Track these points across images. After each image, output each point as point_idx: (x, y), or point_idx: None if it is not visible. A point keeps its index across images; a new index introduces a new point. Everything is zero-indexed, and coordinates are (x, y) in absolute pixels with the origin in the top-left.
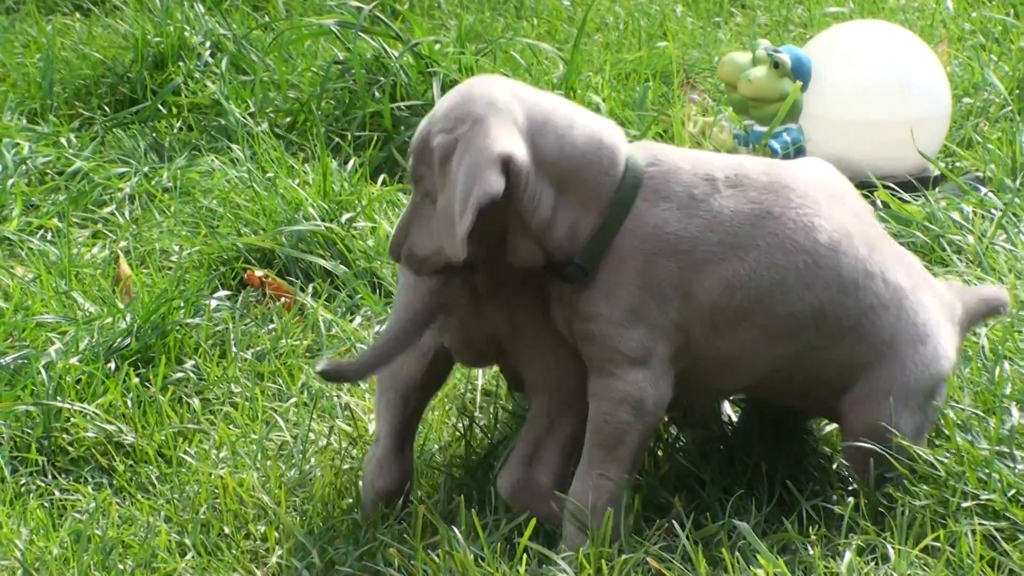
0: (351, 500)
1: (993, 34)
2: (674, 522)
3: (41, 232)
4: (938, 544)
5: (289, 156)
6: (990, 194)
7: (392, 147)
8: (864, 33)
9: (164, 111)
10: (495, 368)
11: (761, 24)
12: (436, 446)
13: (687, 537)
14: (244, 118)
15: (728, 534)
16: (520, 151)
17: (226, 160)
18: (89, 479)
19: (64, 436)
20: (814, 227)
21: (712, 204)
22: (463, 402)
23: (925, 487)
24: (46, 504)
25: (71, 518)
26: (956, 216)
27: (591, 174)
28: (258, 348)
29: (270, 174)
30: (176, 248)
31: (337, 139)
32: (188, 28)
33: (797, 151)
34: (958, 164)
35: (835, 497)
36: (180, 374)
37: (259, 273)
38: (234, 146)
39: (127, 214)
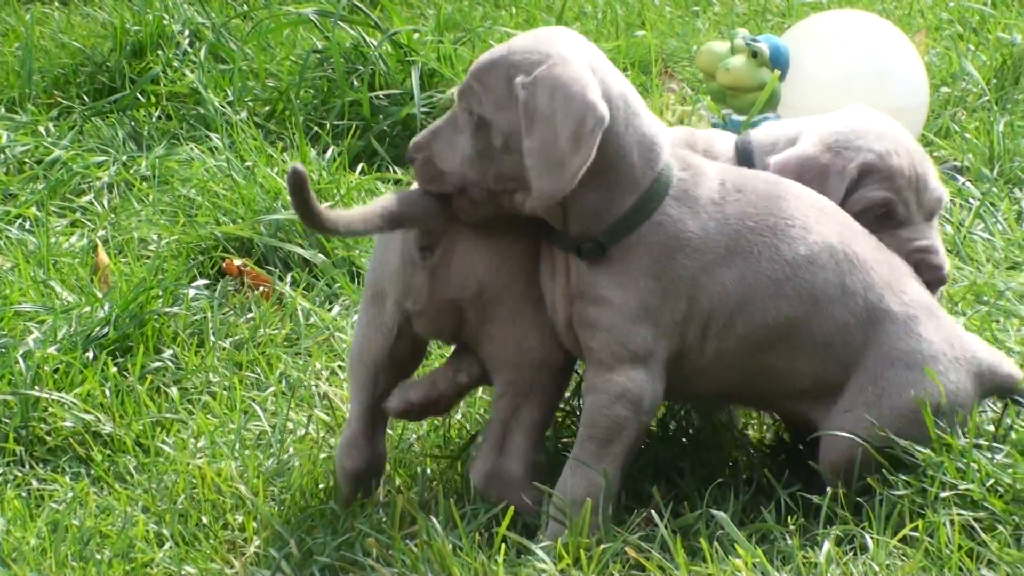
0: (329, 489)
1: (971, 24)
2: (653, 512)
3: (19, 221)
4: (917, 534)
5: (268, 145)
6: (968, 183)
7: (371, 136)
8: (842, 22)
9: (143, 100)
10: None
11: (739, 13)
12: (414, 436)
13: (666, 527)
14: (223, 107)
15: (706, 523)
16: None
17: (205, 149)
18: (67, 469)
19: (42, 425)
20: (797, 239)
21: (724, 209)
22: None
23: (903, 477)
24: (23, 494)
25: (48, 508)
26: None
27: (638, 162)
28: (236, 337)
29: (249, 163)
30: (154, 237)
31: (316, 128)
32: (167, 17)
33: None
34: (936, 154)
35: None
36: (158, 363)
37: (237, 262)
38: (213, 135)
39: (106, 203)
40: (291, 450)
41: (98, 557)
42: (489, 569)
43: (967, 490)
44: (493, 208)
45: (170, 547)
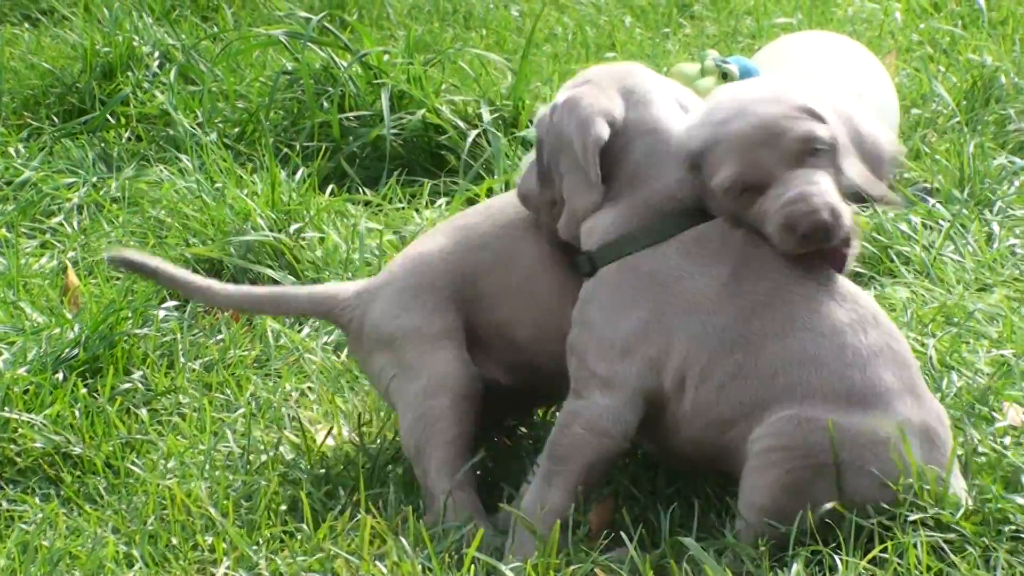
0: (298, 510)
1: (941, 45)
2: (622, 533)
3: None
4: (886, 555)
5: (238, 166)
6: (938, 205)
7: (341, 157)
8: (812, 44)
9: (113, 121)
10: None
11: (709, 35)
12: (390, 454)
13: (635, 548)
14: (192, 128)
15: (673, 546)
16: (619, 111)
17: (174, 170)
18: (36, 490)
19: (11, 447)
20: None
21: (709, 266)
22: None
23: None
24: None
25: (18, 529)
26: (904, 227)
27: (653, 187)
28: (206, 359)
29: (218, 184)
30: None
31: (286, 149)
32: (137, 38)
33: None
34: (906, 175)
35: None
36: (128, 384)
37: None
38: (182, 156)
39: (75, 224)
40: (258, 472)
41: None
42: None
43: (938, 514)
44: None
45: (140, 568)
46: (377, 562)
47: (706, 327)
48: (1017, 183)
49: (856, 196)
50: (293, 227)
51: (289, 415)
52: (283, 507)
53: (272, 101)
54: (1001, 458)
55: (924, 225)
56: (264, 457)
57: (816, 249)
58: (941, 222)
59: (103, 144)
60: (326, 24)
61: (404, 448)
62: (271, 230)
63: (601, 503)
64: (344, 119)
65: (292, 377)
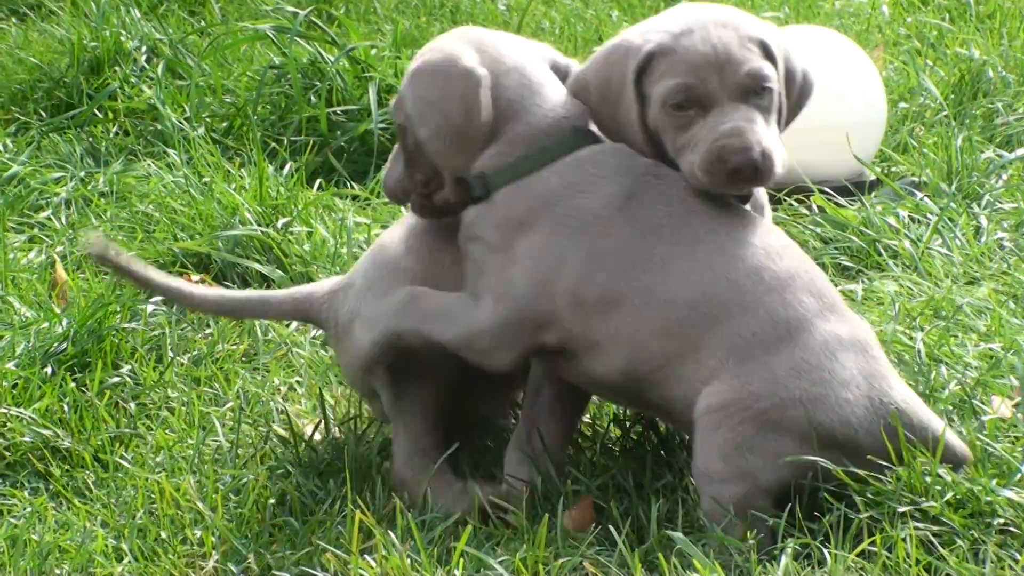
0: (287, 504)
1: (928, 39)
2: (610, 527)
3: None
4: (875, 549)
5: (225, 161)
6: (926, 199)
7: (328, 152)
8: (800, 38)
9: (100, 116)
10: None
11: None
12: (378, 448)
13: (624, 542)
14: (180, 123)
15: (661, 540)
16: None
17: (162, 165)
18: (25, 484)
19: (0, 441)
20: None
21: (602, 185)
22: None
23: (860, 498)
24: None
25: (7, 523)
26: (892, 221)
27: (536, 122)
28: (194, 353)
29: (206, 179)
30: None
31: (273, 144)
32: (124, 33)
33: None
34: (894, 169)
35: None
36: (116, 379)
37: (195, 278)
38: (170, 151)
39: (63, 219)
40: (247, 466)
41: (57, 572)
42: None
43: (929, 507)
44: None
45: (129, 562)
46: (365, 556)
47: (597, 247)
48: (1005, 176)
49: None
50: (281, 222)
51: (277, 409)
52: (272, 501)
53: (260, 96)
54: (990, 451)
55: (912, 219)
56: (253, 451)
57: (737, 194)
58: (929, 216)
59: (91, 139)
60: (313, 19)
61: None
62: (259, 225)
63: (579, 504)
64: (332, 113)
65: (280, 371)
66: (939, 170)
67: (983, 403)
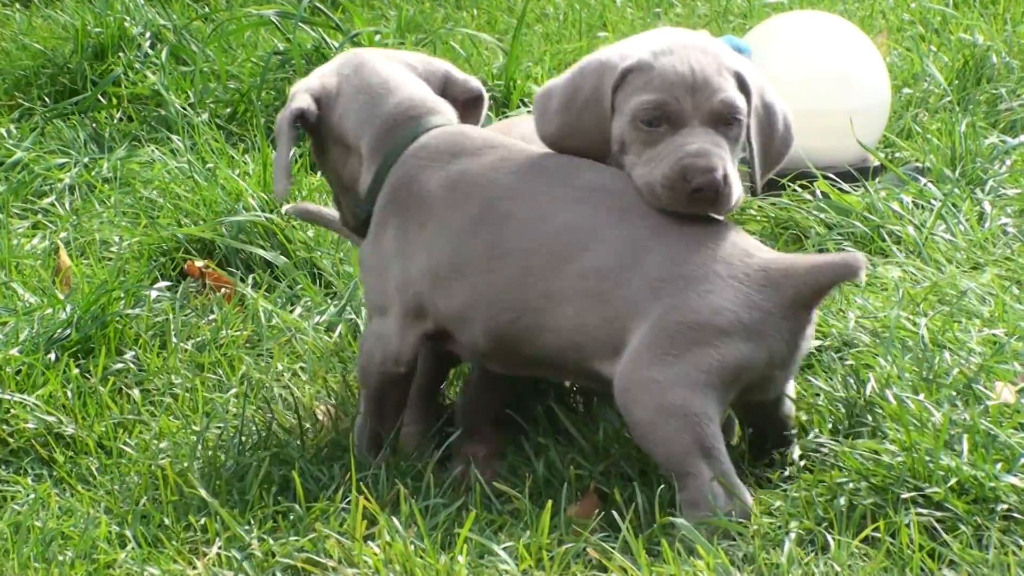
0: (291, 490)
1: (932, 25)
2: (613, 512)
3: None
4: (878, 535)
5: (229, 147)
6: (929, 184)
7: None
8: (804, 23)
9: (104, 102)
10: None
11: (701, 15)
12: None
13: (628, 528)
14: (184, 109)
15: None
16: (329, 83)
17: (166, 151)
18: (29, 470)
19: (4, 427)
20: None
21: (458, 164)
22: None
23: (866, 483)
24: None
25: (10, 509)
26: (896, 206)
27: (380, 136)
28: (198, 339)
29: (210, 165)
30: (116, 239)
31: None
32: (128, 19)
33: None
34: (898, 154)
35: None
36: (120, 365)
37: (199, 264)
38: (174, 137)
39: (67, 205)
40: (253, 451)
41: (61, 558)
42: (451, 570)
43: (933, 493)
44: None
45: (132, 548)
46: (369, 542)
47: (439, 222)
48: (1008, 162)
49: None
50: (285, 207)
51: (281, 395)
52: (275, 487)
53: (264, 81)
54: (993, 437)
55: (916, 204)
56: (256, 437)
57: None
58: (933, 201)
59: (95, 125)
60: (317, 4)
61: None
62: (263, 210)
63: (584, 497)
64: None
65: (284, 357)
66: (943, 156)
67: (987, 389)
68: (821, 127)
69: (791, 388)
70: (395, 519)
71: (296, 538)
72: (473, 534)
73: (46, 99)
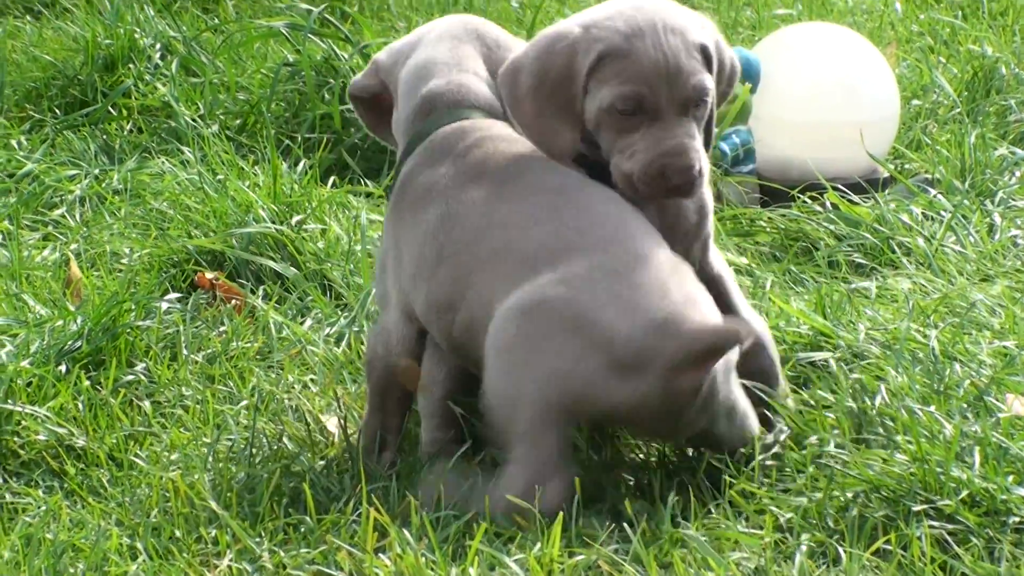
0: (302, 502)
1: (941, 36)
2: (625, 525)
3: None
4: (890, 547)
5: (239, 158)
6: (939, 196)
7: (342, 149)
8: (813, 35)
9: (114, 113)
10: None
11: None
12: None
13: (639, 541)
14: (194, 120)
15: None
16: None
17: (176, 162)
18: (40, 482)
19: (15, 439)
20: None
21: (442, 166)
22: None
23: (876, 495)
24: None
25: (22, 522)
26: (905, 218)
27: (412, 118)
28: (209, 351)
29: (220, 176)
30: (127, 250)
31: (287, 141)
32: (138, 30)
33: (746, 153)
34: (907, 166)
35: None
36: (131, 377)
37: (210, 275)
38: (184, 148)
39: (78, 216)
40: (261, 465)
41: (72, 571)
42: None
43: (944, 505)
44: None
45: (144, 560)
46: (380, 554)
47: (414, 227)
48: (1018, 173)
49: None
50: (295, 219)
51: (292, 407)
52: (286, 499)
53: (274, 93)
54: (1005, 449)
55: (925, 216)
56: (267, 450)
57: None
58: (943, 213)
59: (105, 136)
60: (327, 16)
61: None
62: (273, 222)
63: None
64: (345, 111)
65: (295, 369)
66: (952, 167)
67: (998, 401)
68: (830, 138)
69: (740, 411)
70: (406, 531)
71: (307, 550)
72: (484, 546)
73: (56, 111)
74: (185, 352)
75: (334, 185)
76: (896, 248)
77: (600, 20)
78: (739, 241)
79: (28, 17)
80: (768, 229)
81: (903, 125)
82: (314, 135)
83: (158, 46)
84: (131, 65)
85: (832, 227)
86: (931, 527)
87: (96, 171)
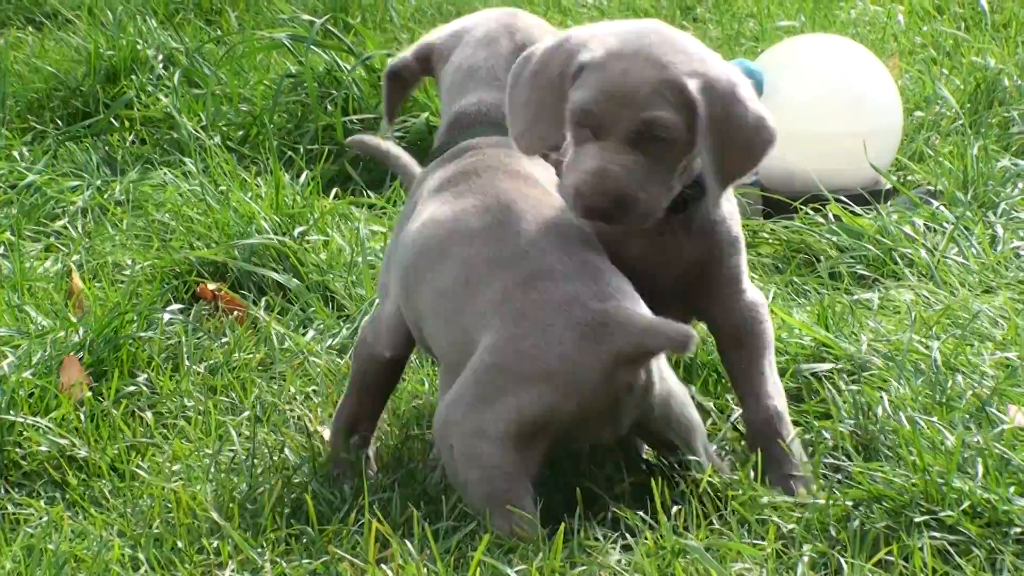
0: (303, 513)
1: (944, 48)
2: (627, 536)
3: None
4: (891, 558)
5: (241, 169)
6: (942, 207)
7: (344, 160)
8: (816, 47)
9: (117, 124)
10: None
11: (712, 38)
12: (395, 456)
13: (641, 551)
14: (196, 131)
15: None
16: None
17: (178, 174)
18: (42, 493)
19: (17, 450)
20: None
21: (434, 172)
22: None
23: (879, 506)
24: None
25: (23, 532)
26: (908, 229)
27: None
28: (211, 362)
29: (222, 187)
30: (129, 262)
31: (289, 152)
32: (141, 42)
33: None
34: (910, 177)
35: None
36: (133, 388)
37: (212, 286)
38: (186, 159)
39: (80, 228)
40: (262, 475)
41: None
42: None
43: (946, 516)
44: None
45: (145, 571)
46: (382, 565)
47: (406, 230)
48: (1021, 185)
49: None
50: (297, 230)
51: (294, 418)
52: (288, 510)
53: (276, 104)
54: (1007, 461)
55: (928, 227)
56: (269, 460)
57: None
58: (945, 224)
59: (107, 147)
60: (329, 27)
61: None
62: (275, 233)
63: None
64: (348, 122)
65: (296, 380)
66: (955, 179)
67: (1000, 412)
68: (833, 150)
69: (686, 419)
70: (408, 542)
71: (309, 561)
72: (486, 557)
73: (59, 122)
74: (187, 363)
75: (336, 196)
76: (899, 260)
77: (605, 33)
78: None
79: (30, 28)
80: (771, 240)
81: (906, 137)
82: (316, 146)
83: (160, 57)
84: (133, 76)
85: (835, 239)
86: (933, 538)
87: (98, 182)
